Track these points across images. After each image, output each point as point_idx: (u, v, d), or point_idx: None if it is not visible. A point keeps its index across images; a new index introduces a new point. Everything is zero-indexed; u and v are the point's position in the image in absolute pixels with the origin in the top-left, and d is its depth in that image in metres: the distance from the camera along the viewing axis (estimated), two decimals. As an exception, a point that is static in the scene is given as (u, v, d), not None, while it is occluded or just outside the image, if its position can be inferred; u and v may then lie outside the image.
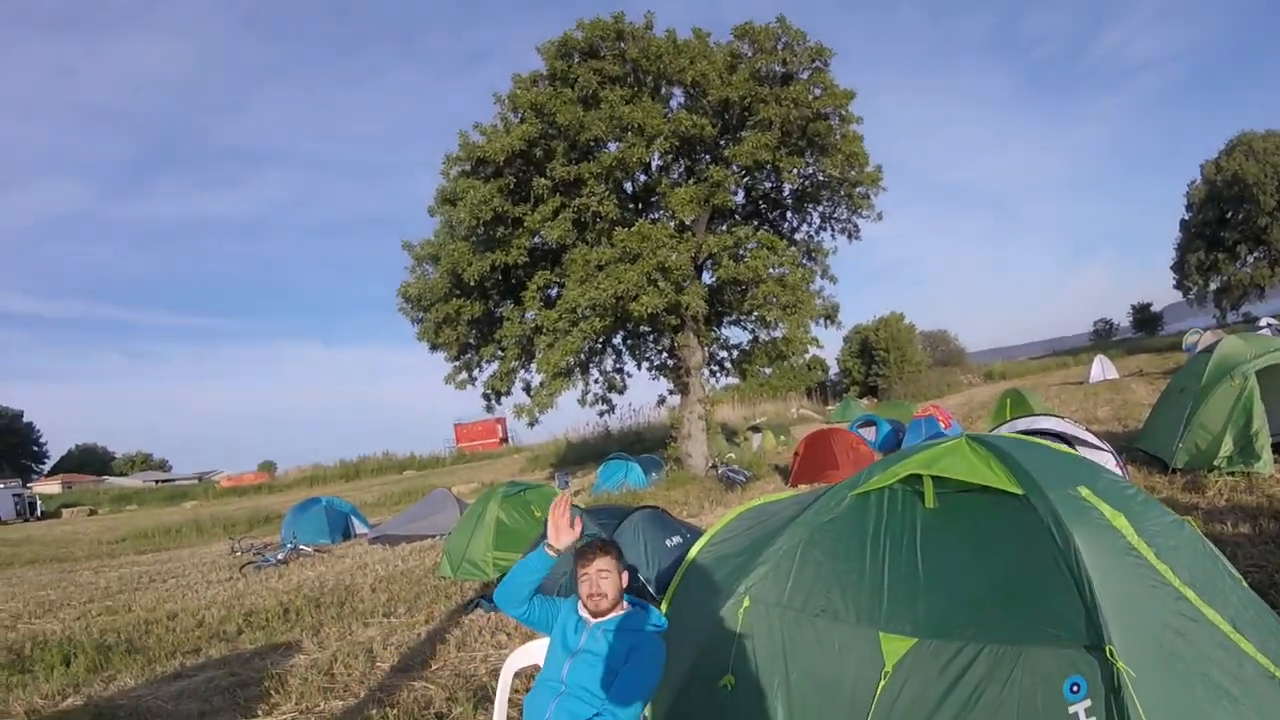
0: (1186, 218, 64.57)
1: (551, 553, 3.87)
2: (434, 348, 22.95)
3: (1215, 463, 10.08)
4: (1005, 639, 3.16)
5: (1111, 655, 2.87)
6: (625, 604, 3.96)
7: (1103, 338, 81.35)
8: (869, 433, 22.40)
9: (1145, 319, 78.89)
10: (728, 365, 24.51)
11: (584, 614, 3.92)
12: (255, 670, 7.47)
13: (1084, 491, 3.53)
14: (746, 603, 4.00)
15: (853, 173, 20.68)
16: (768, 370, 24.03)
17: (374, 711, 5.98)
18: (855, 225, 22.80)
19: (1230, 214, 60.05)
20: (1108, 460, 8.54)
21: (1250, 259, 60.47)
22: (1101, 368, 36.06)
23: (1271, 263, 59.24)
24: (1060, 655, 3.02)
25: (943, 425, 19.73)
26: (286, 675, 7.12)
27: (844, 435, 18.49)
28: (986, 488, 3.68)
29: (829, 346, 68.99)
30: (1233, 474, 9.86)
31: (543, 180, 18.81)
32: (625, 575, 3.98)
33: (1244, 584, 3.69)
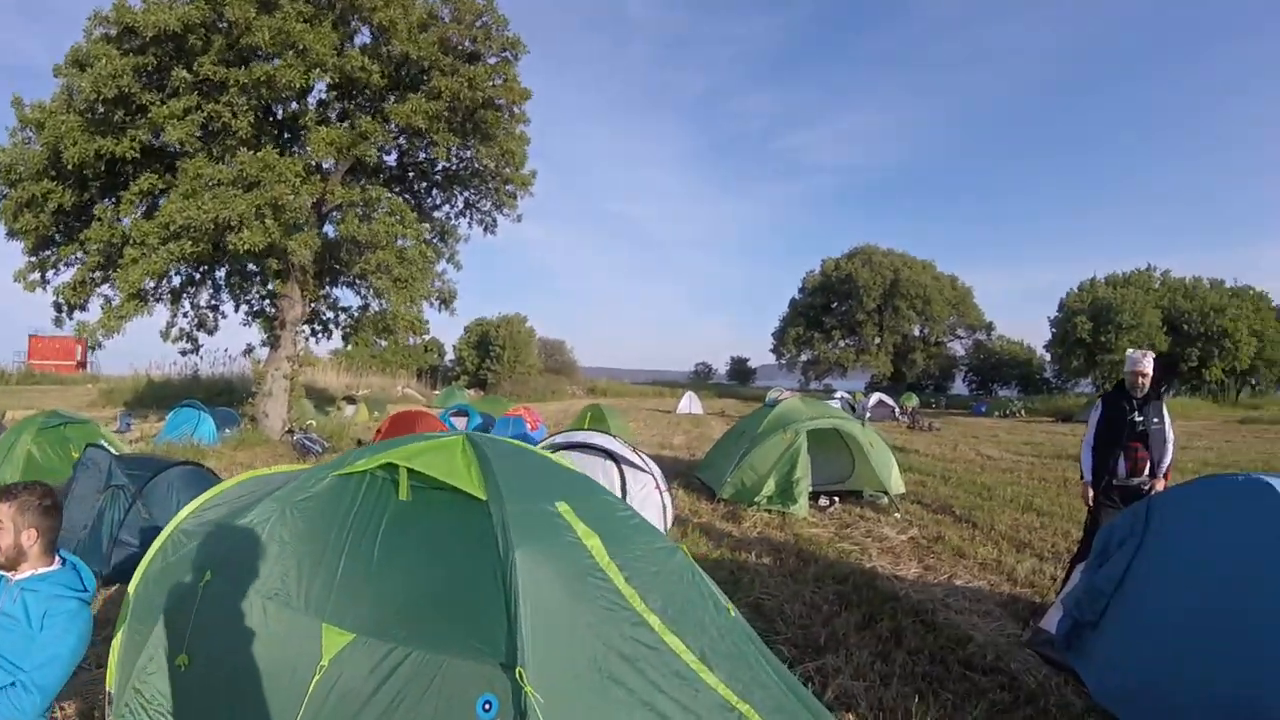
0: (797, 298, 75.14)
1: None
2: (11, 234, 18.84)
3: (756, 499, 11.02)
4: (432, 646, 2.97)
5: (521, 678, 2.74)
6: (57, 559, 3.39)
7: (701, 378, 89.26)
8: (460, 422, 22.03)
9: (741, 371, 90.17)
10: (332, 328, 22.93)
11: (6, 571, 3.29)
12: None
13: (562, 507, 3.45)
14: (208, 577, 3.53)
15: (508, 169, 20.47)
16: (383, 343, 22.93)
17: None
18: (494, 220, 22.49)
19: (835, 305, 71.42)
20: (648, 482, 8.79)
21: (842, 343, 71.39)
22: (690, 402, 39.42)
23: (858, 350, 69.86)
24: (478, 670, 2.89)
25: (529, 427, 20.02)
26: None
27: (430, 420, 17.91)
28: (459, 489, 3.50)
29: (447, 332, 69.17)
30: (770, 511, 10.79)
31: (185, 74, 16.53)
32: (33, 532, 3.33)
33: (731, 613, 3.69)
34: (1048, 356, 59.26)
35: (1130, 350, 6.96)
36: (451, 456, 3.63)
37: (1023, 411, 44.75)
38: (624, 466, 8.69)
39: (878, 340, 69.32)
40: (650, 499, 8.65)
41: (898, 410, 38.28)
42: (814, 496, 11.60)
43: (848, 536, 9.73)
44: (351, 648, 3.05)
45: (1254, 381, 53.70)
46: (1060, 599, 5.66)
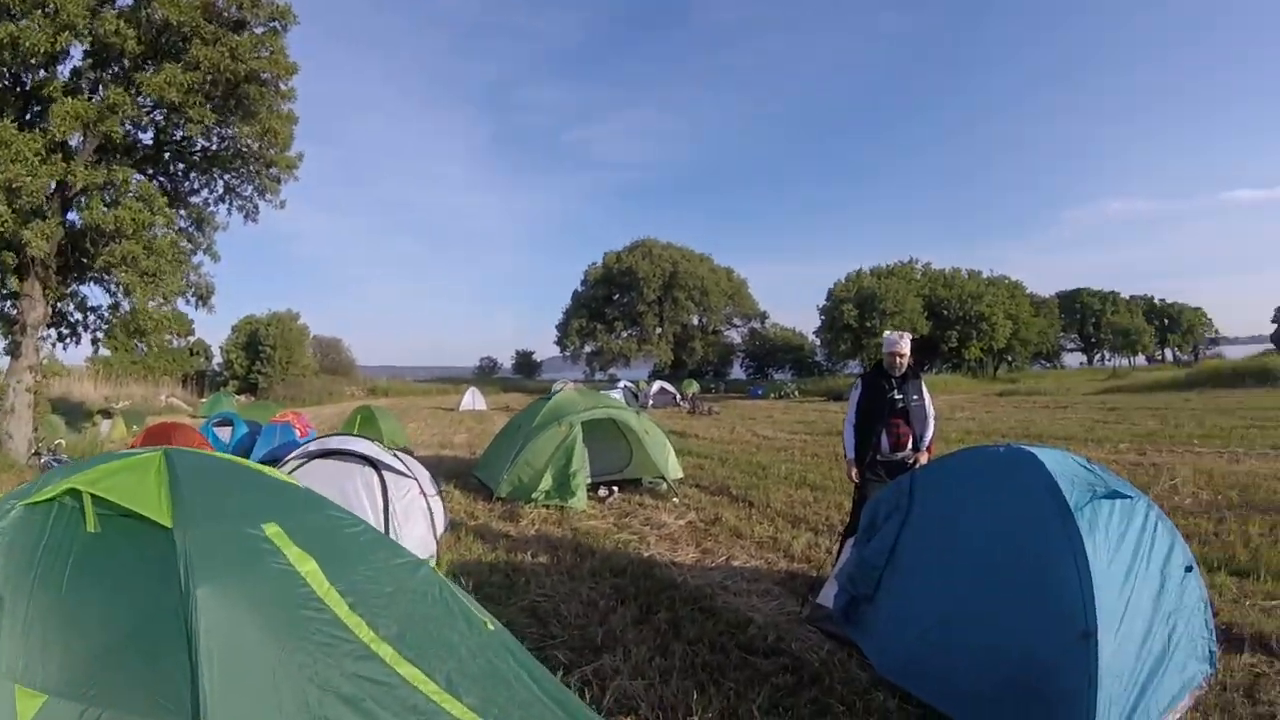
0: (580, 290, 76.42)
1: None
2: None
3: (534, 495, 10.71)
4: (121, 705, 2.46)
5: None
6: None
7: (486, 373, 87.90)
8: (224, 432, 20.48)
9: (526, 364, 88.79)
10: (81, 331, 20.03)
11: None
12: None
13: (271, 530, 2.99)
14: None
15: (271, 150, 19.09)
16: (144, 347, 20.51)
17: None
18: (256, 206, 20.88)
19: (617, 296, 73.59)
20: (411, 488, 8.21)
21: (625, 334, 73.65)
22: (472, 398, 38.44)
23: (640, 340, 72.24)
24: (166, 731, 2.42)
25: (298, 433, 18.73)
26: None
27: (188, 433, 16.50)
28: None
29: (216, 334, 64.99)
30: (548, 507, 10.53)
31: (-75, 37, 14.26)
32: None
33: (489, 627, 3.41)
34: (818, 341, 62.25)
35: (887, 333, 7.05)
36: (143, 478, 3.09)
37: (796, 393, 46.89)
38: (385, 473, 8.12)
39: (659, 330, 71.36)
40: (415, 506, 8.09)
41: (679, 396, 39.40)
42: (593, 487, 11.51)
43: (626, 526, 9.60)
44: (45, 711, 2.52)
45: (1010, 359, 59.63)
46: (834, 574, 5.70)
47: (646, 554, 8.12)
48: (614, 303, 73.45)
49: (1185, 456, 13.82)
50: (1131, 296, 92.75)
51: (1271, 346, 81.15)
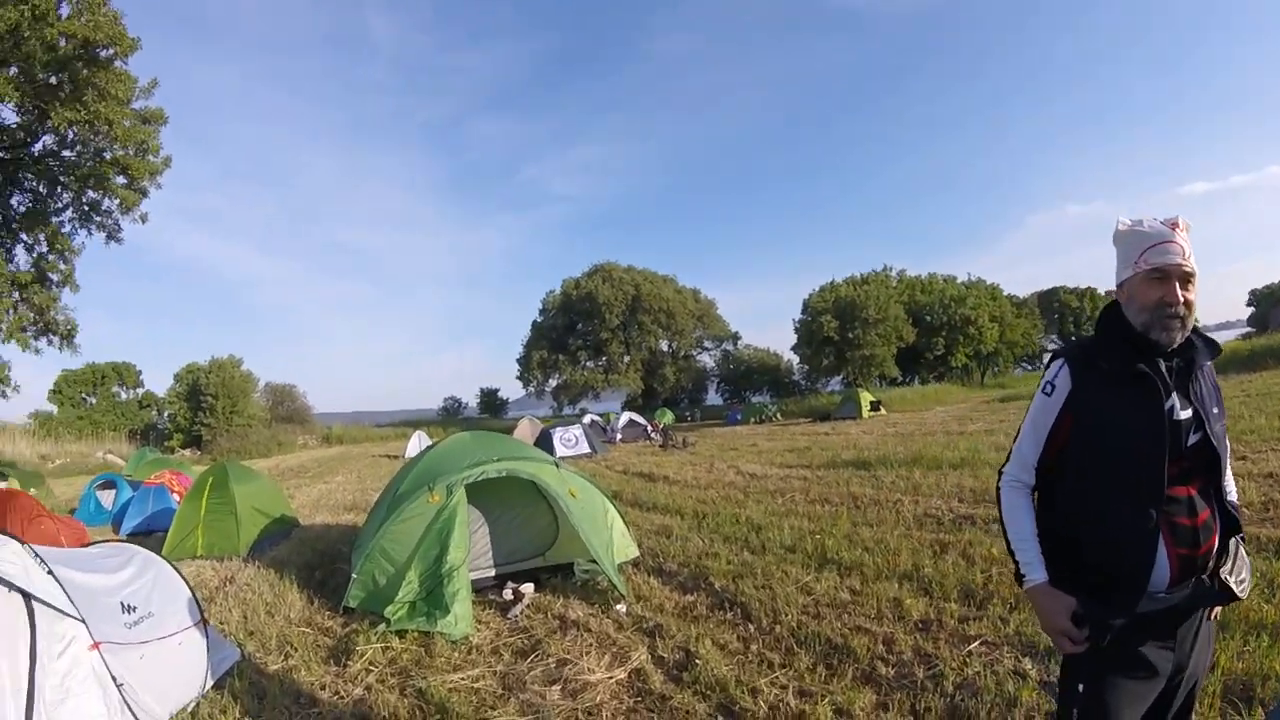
0: (539, 320, 72.29)
1: None
2: None
3: (388, 611, 6.31)
4: None
5: None
6: None
7: (450, 414, 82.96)
8: (107, 496, 16.58)
9: (491, 403, 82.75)
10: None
11: None
12: None
13: None
14: None
15: (116, 148, 14.89)
16: (92, 399, 17.05)
17: None
18: (118, 223, 16.62)
19: (579, 325, 69.16)
20: (74, 636, 3.91)
21: (589, 364, 69.14)
22: (418, 443, 33.74)
23: (607, 370, 68.00)
24: None
25: (176, 498, 14.72)
26: None
27: (26, 502, 12.79)
28: None
29: (157, 380, 60.64)
30: (403, 634, 6.11)
31: None
32: None
33: None
34: (796, 359, 58.86)
35: (1132, 221, 2.55)
36: None
37: (779, 415, 43.27)
38: (36, 605, 3.98)
39: (626, 358, 67.51)
40: (80, 669, 3.83)
41: (650, 428, 35.45)
42: (499, 583, 7.33)
43: (517, 686, 5.05)
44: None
45: (995, 364, 57.26)
46: None
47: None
48: (576, 331, 68.90)
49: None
50: (1107, 291, 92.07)
51: (1250, 329, 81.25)
